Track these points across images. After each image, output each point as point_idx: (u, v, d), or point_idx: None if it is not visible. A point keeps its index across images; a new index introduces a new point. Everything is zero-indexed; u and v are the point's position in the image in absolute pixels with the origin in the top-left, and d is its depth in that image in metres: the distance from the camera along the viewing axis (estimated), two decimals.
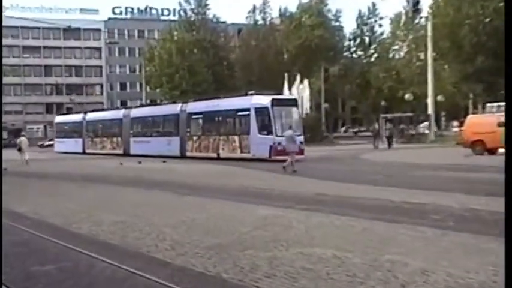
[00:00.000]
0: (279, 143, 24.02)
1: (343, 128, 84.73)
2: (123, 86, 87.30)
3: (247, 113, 26.52)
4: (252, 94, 27.58)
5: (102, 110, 47.90)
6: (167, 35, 58.14)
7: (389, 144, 34.96)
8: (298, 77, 50.24)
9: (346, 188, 12.48)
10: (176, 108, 32.10)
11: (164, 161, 25.76)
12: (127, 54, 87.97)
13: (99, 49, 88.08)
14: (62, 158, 35.69)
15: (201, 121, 30.30)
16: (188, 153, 29.93)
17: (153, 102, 53.87)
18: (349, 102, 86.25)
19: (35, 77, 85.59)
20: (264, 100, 26.02)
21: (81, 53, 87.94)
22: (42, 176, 19.80)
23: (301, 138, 25.66)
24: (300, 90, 49.12)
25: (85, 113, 44.79)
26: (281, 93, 40.34)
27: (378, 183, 13.44)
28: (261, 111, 25.80)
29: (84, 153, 40.35)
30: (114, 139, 37.90)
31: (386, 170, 17.80)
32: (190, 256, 6.09)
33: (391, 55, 68.46)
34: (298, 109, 27.38)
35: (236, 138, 27.17)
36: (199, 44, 56.42)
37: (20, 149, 27.98)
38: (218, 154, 28.00)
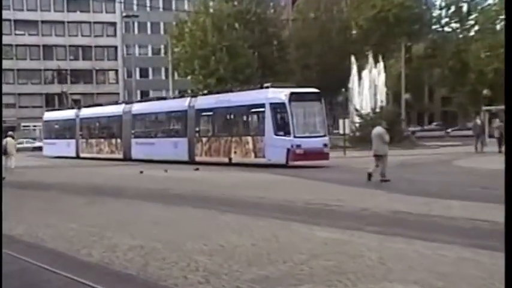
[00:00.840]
0: (298, 146, 26.17)
1: (431, 125, 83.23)
2: (144, 73, 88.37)
3: (261, 109, 28.05)
4: (267, 87, 29.07)
5: (99, 105, 49.50)
6: (201, 6, 58.68)
7: (500, 145, 34.19)
8: (370, 59, 49.90)
9: (435, 204, 12.33)
10: (184, 103, 33.97)
11: (196, 169, 26.18)
12: (149, 30, 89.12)
13: (113, 24, 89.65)
14: (62, 164, 36.57)
15: (211, 119, 32.35)
16: (197, 158, 31.79)
17: (180, 93, 54.46)
18: (438, 91, 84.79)
19: (32, 60, 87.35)
20: (281, 94, 27.45)
21: (91, 30, 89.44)
22: (40, 187, 20.37)
23: (326, 139, 27.77)
24: (373, 76, 48.79)
25: (79, 108, 46.28)
26: (345, 79, 40.49)
27: (478, 198, 13.22)
28: (277, 107, 27.38)
29: (77, 157, 41.91)
30: (113, 141, 39.78)
31: (492, 181, 17.45)
32: None
33: (498, 27, 66.46)
34: (322, 104, 28.80)
35: (250, 139, 28.82)
36: (241, 18, 56.62)
37: (5, 153, 27.86)
38: (230, 159, 29.67)
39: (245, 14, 57.11)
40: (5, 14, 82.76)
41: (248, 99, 29.82)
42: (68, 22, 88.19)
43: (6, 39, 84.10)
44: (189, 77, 59.35)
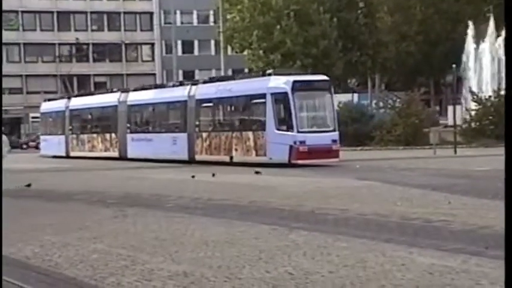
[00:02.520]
0: (302, 142, 29.53)
1: None
2: (187, 47, 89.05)
3: (262, 100, 31.46)
4: (269, 74, 33.09)
5: (91, 94, 53.45)
6: None
7: None
8: (492, 24, 49.09)
9: None
10: (184, 92, 38.05)
11: (257, 172, 26.30)
12: None
13: None
14: (77, 166, 37.30)
15: (211, 111, 36.30)
16: (197, 156, 35.85)
17: (234, 72, 54.59)
18: None
19: (43, 31, 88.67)
20: (284, 82, 30.75)
21: None
22: (53, 196, 20.79)
23: (335, 135, 31.24)
24: (496, 48, 48.01)
25: (69, 98, 50.01)
26: (458, 52, 40.08)
27: None
28: (279, 98, 30.63)
29: (68, 156, 45.45)
30: (107, 136, 44.02)
31: None
32: None
33: None
34: (331, 94, 32.20)
35: (250, 135, 32.37)
36: None
37: None
38: (231, 157, 33.35)
39: None
40: None
41: (249, 88, 33.22)
42: None
43: (10, 4, 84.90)
44: (245, 52, 59.45)
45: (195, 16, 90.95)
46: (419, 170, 26.02)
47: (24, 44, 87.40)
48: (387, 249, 10.10)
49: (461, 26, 50.28)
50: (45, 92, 73.36)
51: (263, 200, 17.48)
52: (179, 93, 38.75)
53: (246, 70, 61.36)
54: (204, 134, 35.62)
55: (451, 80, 60.18)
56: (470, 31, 49.01)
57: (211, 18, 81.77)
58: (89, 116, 46.99)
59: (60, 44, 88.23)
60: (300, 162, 29.70)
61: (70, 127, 47.64)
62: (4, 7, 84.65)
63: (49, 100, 56.18)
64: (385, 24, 59.30)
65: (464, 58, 49.86)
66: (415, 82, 53.77)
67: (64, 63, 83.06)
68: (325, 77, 33.57)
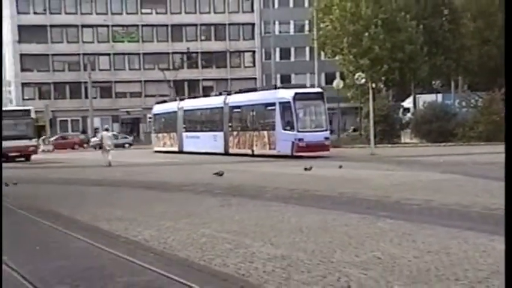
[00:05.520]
0: (301, 139, 35.03)
1: None
2: (284, 54, 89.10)
3: (273, 107, 37.29)
4: (278, 88, 40.25)
5: (164, 101, 58.33)
6: None
7: None
8: None
9: None
10: (220, 100, 44.16)
11: (340, 166, 26.18)
12: (291, 4, 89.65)
13: None
14: (185, 160, 37.78)
15: (239, 115, 41.87)
16: (230, 150, 41.56)
17: (327, 76, 54.34)
18: None
19: (159, 42, 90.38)
20: (288, 93, 36.57)
21: (224, 6, 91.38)
22: (165, 187, 21.18)
23: (327, 133, 36.96)
24: None
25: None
26: None
27: None
28: (284, 105, 36.30)
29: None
30: (172, 134, 50.43)
31: None
32: None
33: None
34: (324, 102, 37.39)
35: (265, 133, 38.01)
36: None
37: (100, 147, 34.33)
38: (253, 151, 38.95)
39: None
40: None
41: (264, 98, 39.49)
42: None
43: (132, 19, 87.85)
44: (337, 57, 59.19)
45: (291, 26, 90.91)
46: (499, 164, 25.30)
47: (143, 53, 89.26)
48: (470, 236, 9.93)
49: None
50: (160, 95, 74.54)
51: (352, 191, 17.33)
52: (218, 101, 44.65)
53: (338, 73, 61.01)
54: (235, 133, 41.40)
55: None
56: None
57: (306, 28, 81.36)
58: (163, 119, 53.73)
59: (173, 53, 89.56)
60: (299, 154, 34.72)
61: (154, 127, 52.73)
62: (126, 22, 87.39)
63: (159, 102, 58.18)
64: (468, 30, 57.87)
65: None
66: (496, 83, 52.33)
67: (176, 70, 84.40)
68: (319, 89, 40.80)
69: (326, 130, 36.85)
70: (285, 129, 36.03)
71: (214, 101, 45.80)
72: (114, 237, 11.16)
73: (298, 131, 35.32)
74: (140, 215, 13.82)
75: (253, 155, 38.02)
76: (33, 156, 45.02)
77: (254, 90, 45.28)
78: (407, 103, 55.90)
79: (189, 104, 49.63)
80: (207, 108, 46.54)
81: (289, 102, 35.88)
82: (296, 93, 36.22)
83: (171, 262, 8.90)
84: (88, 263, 9.07)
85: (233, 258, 8.88)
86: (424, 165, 27.60)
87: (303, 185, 19.58)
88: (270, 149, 37.37)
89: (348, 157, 34.37)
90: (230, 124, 41.98)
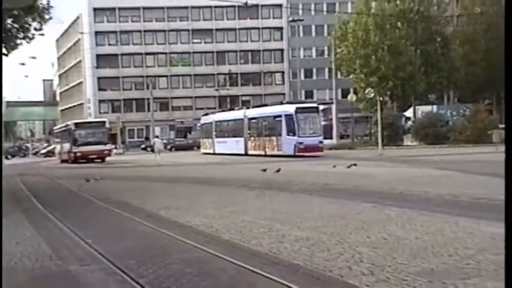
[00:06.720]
0: (301, 143, 37.51)
1: None
2: (308, 73, 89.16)
3: (280, 118, 39.74)
4: (284, 103, 43.50)
5: (206, 114, 60.11)
6: (363, 7, 57.97)
7: None
8: None
9: None
10: (241, 113, 47.32)
11: (355, 164, 25.81)
12: (313, 33, 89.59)
13: (280, 29, 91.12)
14: (230, 160, 37.92)
15: (255, 125, 44.47)
16: (249, 152, 43.91)
17: (343, 91, 54.16)
18: None
19: (207, 65, 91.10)
20: (291, 108, 39.31)
21: (259, 35, 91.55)
22: (213, 181, 21.19)
23: (321, 138, 38.84)
24: None
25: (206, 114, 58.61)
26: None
27: None
28: (288, 116, 38.77)
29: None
30: (210, 140, 53.04)
31: None
32: (393, 283, 6.08)
33: None
34: (319, 115, 40.51)
35: (274, 138, 40.53)
36: (404, 17, 55.23)
37: (153, 150, 39.16)
38: (265, 152, 41.28)
39: (408, 13, 55.55)
40: (184, 25, 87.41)
41: (273, 111, 42.04)
42: (239, 29, 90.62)
43: (184, 48, 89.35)
44: (351, 76, 58.95)
45: (313, 51, 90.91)
46: (484, 162, 25.13)
47: (194, 75, 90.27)
48: (460, 221, 9.81)
49: None
50: (207, 108, 75.31)
51: (365, 185, 17.22)
52: (239, 113, 47.70)
53: (352, 89, 60.80)
54: (252, 138, 44.15)
55: None
56: None
57: (326, 52, 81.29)
58: (204, 128, 56.52)
59: (218, 74, 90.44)
60: (300, 154, 37.03)
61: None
62: (180, 49, 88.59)
63: (204, 115, 59.32)
64: (457, 54, 57.26)
65: None
66: (481, 96, 52.08)
67: (220, 88, 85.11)
68: (315, 104, 43.86)
69: (320, 136, 39.00)
70: (288, 135, 38.62)
71: (236, 114, 48.68)
72: (172, 222, 11.19)
73: (299, 136, 37.85)
74: (192, 205, 13.86)
75: (265, 155, 40.11)
76: (107, 158, 45.52)
77: (265, 105, 48.40)
78: (409, 113, 55.60)
79: (219, 116, 52.85)
80: (231, 120, 49.17)
81: (291, 114, 38.50)
82: (297, 108, 39.01)
83: (217, 242, 8.89)
84: (150, 243, 9.12)
85: (267, 239, 8.86)
86: (422, 163, 27.37)
87: (325, 179, 19.48)
88: (277, 150, 39.72)
89: (360, 157, 34.06)
90: (249, 132, 44.90)
